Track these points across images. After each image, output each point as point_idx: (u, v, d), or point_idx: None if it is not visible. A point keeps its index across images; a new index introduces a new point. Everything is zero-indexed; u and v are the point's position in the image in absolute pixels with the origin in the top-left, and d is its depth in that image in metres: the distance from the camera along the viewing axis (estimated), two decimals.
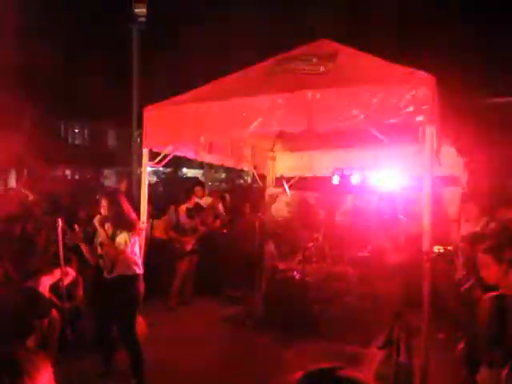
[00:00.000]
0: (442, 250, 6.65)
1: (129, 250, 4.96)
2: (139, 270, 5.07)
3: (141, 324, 6.29)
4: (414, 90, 4.85)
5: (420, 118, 4.86)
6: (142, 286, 5.05)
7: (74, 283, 6.77)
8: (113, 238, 4.95)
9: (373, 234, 7.40)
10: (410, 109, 4.86)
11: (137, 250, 5.10)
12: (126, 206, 5.10)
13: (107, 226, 5.01)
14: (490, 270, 3.66)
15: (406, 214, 6.18)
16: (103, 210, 5.04)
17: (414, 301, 4.82)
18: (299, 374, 1.24)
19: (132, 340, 4.98)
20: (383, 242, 6.51)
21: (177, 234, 8.16)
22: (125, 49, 15.37)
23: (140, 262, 5.14)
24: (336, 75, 5.55)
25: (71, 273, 5.85)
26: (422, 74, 5.00)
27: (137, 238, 5.10)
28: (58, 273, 5.28)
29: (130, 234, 4.95)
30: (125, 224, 4.96)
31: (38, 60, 16.58)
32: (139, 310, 5.17)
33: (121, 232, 4.94)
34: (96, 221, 5.02)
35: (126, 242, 4.92)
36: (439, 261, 6.36)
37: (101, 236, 5.01)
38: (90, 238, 5.17)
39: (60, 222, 4.73)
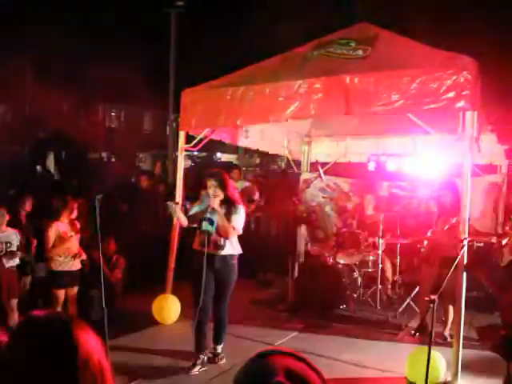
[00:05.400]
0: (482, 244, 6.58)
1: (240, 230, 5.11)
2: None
3: (175, 303, 6.42)
4: (455, 75, 4.76)
5: (461, 104, 4.77)
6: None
7: (114, 262, 6.97)
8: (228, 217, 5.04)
9: (411, 221, 7.33)
10: (451, 94, 4.78)
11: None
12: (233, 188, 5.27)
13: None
14: None
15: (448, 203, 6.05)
16: (211, 191, 5.03)
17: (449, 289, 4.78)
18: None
19: (226, 311, 5.19)
20: (423, 230, 6.41)
21: None
22: (162, 33, 15.45)
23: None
24: (375, 59, 5.47)
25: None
26: (463, 58, 4.90)
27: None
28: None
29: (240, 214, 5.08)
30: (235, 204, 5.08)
31: (75, 44, 16.83)
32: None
33: (235, 212, 5.04)
34: (214, 202, 4.99)
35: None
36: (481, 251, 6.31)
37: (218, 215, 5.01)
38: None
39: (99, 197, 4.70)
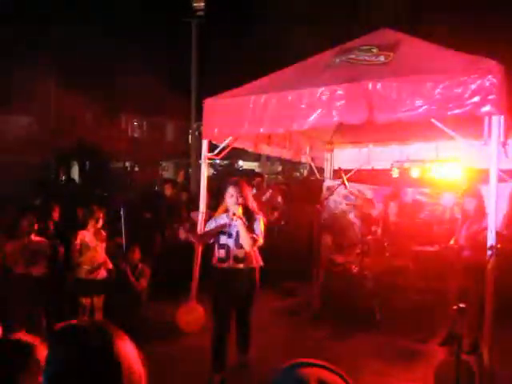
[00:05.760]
0: None
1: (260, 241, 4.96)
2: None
3: (199, 312, 6.42)
4: (480, 80, 4.68)
5: (486, 109, 4.68)
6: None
7: (140, 271, 6.99)
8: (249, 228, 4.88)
9: (436, 228, 7.24)
10: (476, 99, 4.70)
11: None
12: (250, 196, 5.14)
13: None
14: None
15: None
16: (232, 200, 4.90)
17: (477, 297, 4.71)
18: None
19: (250, 323, 5.10)
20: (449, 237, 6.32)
21: None
22: (184, 43, 15.61)
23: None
24: (397, 65, 5.43)
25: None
26: (488, 62, 4.82)
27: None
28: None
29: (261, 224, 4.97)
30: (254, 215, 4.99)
31: (100, 56, 17.12)
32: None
33: (255, 222, 4.93)
34: (238, 211, 4.85)
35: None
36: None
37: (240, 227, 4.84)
38: None
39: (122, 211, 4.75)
